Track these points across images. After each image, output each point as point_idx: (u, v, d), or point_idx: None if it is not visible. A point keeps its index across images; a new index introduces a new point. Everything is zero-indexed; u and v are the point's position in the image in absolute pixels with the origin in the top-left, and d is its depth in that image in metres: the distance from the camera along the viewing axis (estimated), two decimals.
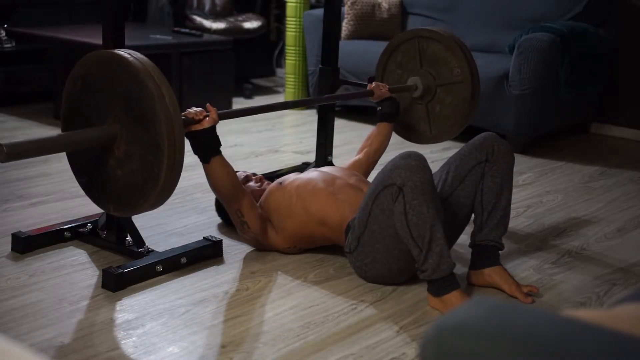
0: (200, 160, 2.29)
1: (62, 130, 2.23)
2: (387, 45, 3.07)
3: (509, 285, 2.28)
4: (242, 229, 2.44)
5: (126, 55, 2.04)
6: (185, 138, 2.10)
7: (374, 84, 2.86)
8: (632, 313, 0.77)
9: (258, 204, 2.52)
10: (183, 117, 2.13)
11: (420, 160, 2.12)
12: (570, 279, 2.45)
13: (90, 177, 2.20)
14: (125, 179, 2.09)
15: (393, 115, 2.87)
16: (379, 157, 2.90)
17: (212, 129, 2.26)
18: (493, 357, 0.69)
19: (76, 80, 2.16)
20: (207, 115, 2.25)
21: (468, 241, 2.44)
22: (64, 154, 2.29)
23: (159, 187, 2.02)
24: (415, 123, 3.03)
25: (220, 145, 2.30)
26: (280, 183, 2.50)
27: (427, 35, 2.96)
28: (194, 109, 2.25)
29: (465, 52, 2.91)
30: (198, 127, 2.23)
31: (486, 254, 2.33)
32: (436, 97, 2.98)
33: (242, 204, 2.38)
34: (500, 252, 2.35)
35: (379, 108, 2.88)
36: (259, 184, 2.67)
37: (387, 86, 2.86)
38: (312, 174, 2.52)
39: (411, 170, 2.09)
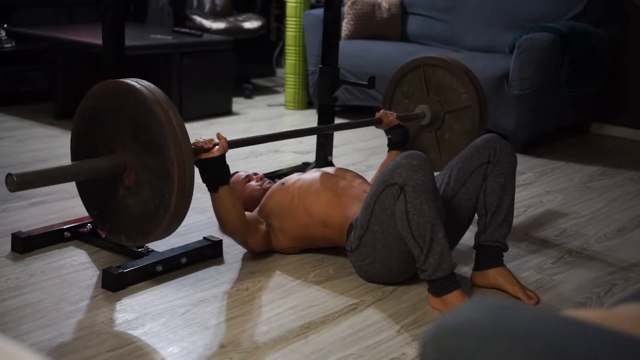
0: (208, 189, 2.28)
1: (72, 161, 2.24)
2: (392, 76, 3.07)
3: (512, 286, 2.28)
4: (246, 248, 2.46)
5: (133, 83, 2.05)
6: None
7: (381, 112, 2.85)
8: (632, 313, 0.77)
9: (258, 206, 2.52)
10: (192, 146, 2.13)
11: (422, 159, 2.13)
12: (570, 279, 2.45)
13: (101, 209, 2.21)
14: (136, 207, 2.10)
15: (404, 142, 2.86)
16: None
17: (222, 157, 2.25)
18: (493, 357, 0.69)
19: (84, 112, 2.18)
20: (217, 144, 2.25)
21: (470, 242, 2.44)
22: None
23: (170, 213, 2.03)
24: (425, 151, 3.00)
25: (230, 174, 2.29)
26: (283, 184, 2.50)
27: (432, 62, 2.96)
28: (203, 138, 2.26)
29: (471, 76, 2.91)
30: (208, 155, 2.23)
31: (490, 254, 2.33)
32: (445, 124, 2.98)
33: (247, 234, 2.37)
34: (504, 253, 2.35)
35: (389, 136, 2.88)
36: (259, 183, 2.67)
37: (395, 114, 2.86)
38: (314, 174, 2.51)
39: (413, 169, 2.09)
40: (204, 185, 2.34)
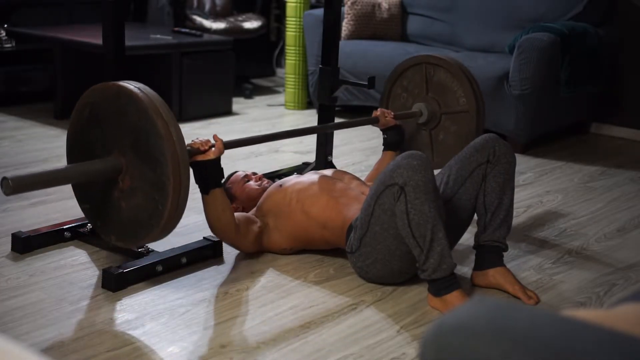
0: (200, 191, 2.28)
1: (67, 159, 2.25)
2: (394, 69, 3.07)
3: (512, 286, 2.28)
4: (237, 249, 2.47)
5: (135, 90, 2.04)
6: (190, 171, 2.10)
7: (379, 112, 2.85)
8: (632, 313, 0.77)
9: (256, 206, 2.52)
10: (188, 148, 2.13)
11: (422, 159, 2.13)
12: (570, 279, 2.45)
13: (93, 205, 2.21)
14: (129, 211, 2.10)
15: (398, 143, 2.87)
16: None
17: (217, 160, 2.25)
18: (493, 357, 0.69)
19: (84, 108, 2.17)
20: (213, 146, 2.25)
21: (470, 242, 2.44)
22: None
23: (162, 223, 2.04)
24: (419, 149, 3.00)
25: (223, 177, 2.29)
26: (281, 185, 2.50)
27: (435, 62, 2.96)
28: (200, 139, 2.25)
29: (472, 82, 2.91)
30: (203, 157, 2.23)
31: (490, 254, 2.33)
32: (440, 125, 2.98)
33: (236, 236, 2.37)
34: (504, 253, 2.35)
35: (384, 136, 2.88)
36: (258, 182, 2.67)
37: (392, 113, 2.86)
38: (312, 177, 2.51)
39: (413, 169, 2.09)
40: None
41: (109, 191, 2.13)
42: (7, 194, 1.89)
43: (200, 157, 2.22)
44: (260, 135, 2.59)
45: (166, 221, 2.04)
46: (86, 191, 2.23)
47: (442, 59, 2.96)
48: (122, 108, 2.07)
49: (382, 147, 2.91)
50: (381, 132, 2.90)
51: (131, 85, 2.07)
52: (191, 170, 2.15)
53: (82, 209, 2.28)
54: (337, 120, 3.19)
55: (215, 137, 2.29)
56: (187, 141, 2.13)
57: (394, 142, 2.86)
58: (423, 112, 2.97)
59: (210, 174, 2.25)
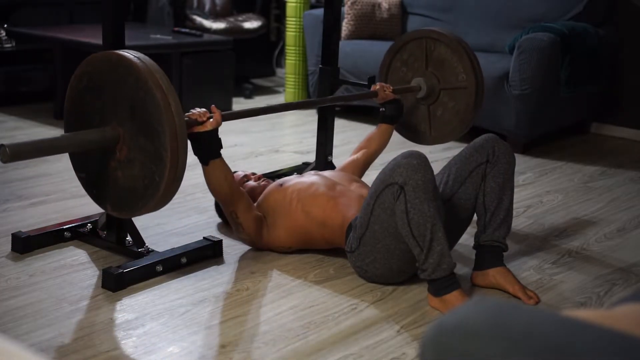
0: (200, 162, 2.28)
1: (65, 126, 2.23)
2: (393, 42, 3.07)
3: (512, 286, 2.28)
4: (237, 229, 2.44)
5: (135, 60, 2.02)
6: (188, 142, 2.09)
7: (378, 85, 2.84)
8: (632, 313, 0.77)
9: (255, 204, 2.52)
10: (186, 118, 2.13)
11: (422, 159, 2.12)
12: (570, 279, 2.45)
13: (90, 174, 2.20)
14: (125, 181, 2.09)
15: (396, 117, 2.87)
16: (377, 157, 2.90)
17: (215, 131, 2.26)
18: (493, 357, 0.69)
19: (82, 76, 2.15)
20: (211, 117, 2.25)
21: (470, 242, 2.44)
22: (63, 155, 2.29)
23: (159, 195, 2.03)
24: (417, 123, 3.03)
25: (222, 147, 2.29)
26: (281, 185, 2.50)
27: (436, 37, 2.95)
28: (198, 109, 2.25)
29: (472, 59, 2.90)
30: (201, 128, 2.23)
31: (490, 254, 2.33)
32: (439, 100, 2.97)
33: (237, 206, 2.37)
34: (504, 253, 2.35)
35: (382, 109, 2.87)
36: (258, 182, 2.67)
37: (391, 87, 2.86)
38: (312, 177, 2.52)
39: (413, 169, 2.09)
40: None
41: (106, 161, 2.12)
42: (4, 161, 1.86)
43: (198, 128, 2.22)
44: (258, 108, 2.59)
45: (163, 192, 2.02)
46: (83, 160, 2.21)
47: (443, 34, 2.94)
48: (121, 78, 2.05)
49: (379, 120, 2.89)
50: (379, 106, 2.90)
51: (131, 54, 2.05)
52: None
53: (79, 178, 2.25)
54: (336, 120, 3.19)
55: (213, 108, 2.29)
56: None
57: (391, 115, 2.85)
58: (422, 86, 2.96)
59: (208, 145, 2.25)
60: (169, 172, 1.99)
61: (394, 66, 3.07)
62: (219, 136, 2.28)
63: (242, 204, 2.38)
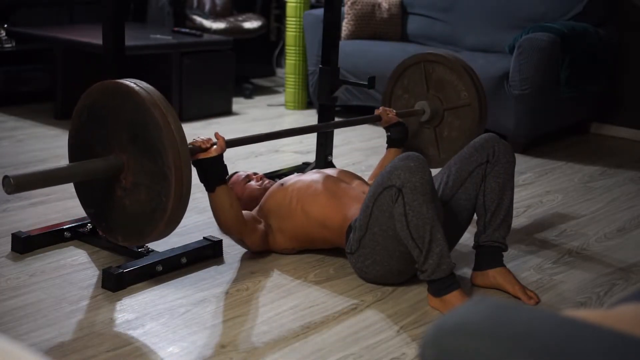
0: (206, 189, 2.28)
1: (69, 161, 2.24)
2: (393, 70, 3.07)
3: (512, 286, 2.28)
4: (243, 246, 2.46)
5: (132, 85, 2.04)
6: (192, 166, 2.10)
7: (381, 109, 2.85)
8: (632, 313, 0.77)
9: (258, 206, 2.52)
10: (190, 146, 2.13)
11: (420, 161, 2.12)
12: (570, 279, 2.45)
13: (98, 208, 2.21)
14: (133, 208, 2.09)
15: (402, 140, 2.87)
16: None
17: (219, 157, 2.25)
18: (493, 357, 0.69)
19: (82, 111, 2.17)
20: (215, 144, 2.25)
21: (470, 242, 2.43)
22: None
23: (167, 216, 2.03)
24: (424, 147, 3.01)
25: (227, 174, 2.29)
26: (282, 184, 2.50)
27: (433, 59, 2.96)
28: (201, 137, 2.25)
29: (472, 74, 2.91)
30: (205, 155, 2.23)
31: (490, 255, 2.33)
32: (444, 121, 2.98)
33: (244, 234, 2.37)
34: (504, 253, 2.35)
35: (388, 134, 2.88)
36: (259, 182, 2.67)
37: (394, 111, 2.86)
38: (313, 176, 2.51)
39: (410, 171, 2.09)
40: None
41: (112, 191, 2.13)
42: (8, 192, 1.88)
43: (202, 155, 2.22)
44: (262, 134, 2.59)
45: (170, 212, 2.02)
46: (90, 194, 2.23)
47: (440, 55, 2.96)
48: (120, 104, 2.06)
49: (386, 144, 2.90)
50: (384, 131, 2.90)
51: (128, 82, 2.06)
52: (195, 171, 2.14)
53: (87, 214, 2.28)
54: (337, 120, 3.19)
55: (217, 134, 2.29)
56: (189, 140, 2.13)
57: (397, 139, 2.86)
58: (425, 110, 2.97)
59: (214, 172, 2.25)
60: (175, 189, 1.99)
61: (396, 94, 3.07)
62: (225, 164, 2.28)
63: (247, 230, 2.37)
